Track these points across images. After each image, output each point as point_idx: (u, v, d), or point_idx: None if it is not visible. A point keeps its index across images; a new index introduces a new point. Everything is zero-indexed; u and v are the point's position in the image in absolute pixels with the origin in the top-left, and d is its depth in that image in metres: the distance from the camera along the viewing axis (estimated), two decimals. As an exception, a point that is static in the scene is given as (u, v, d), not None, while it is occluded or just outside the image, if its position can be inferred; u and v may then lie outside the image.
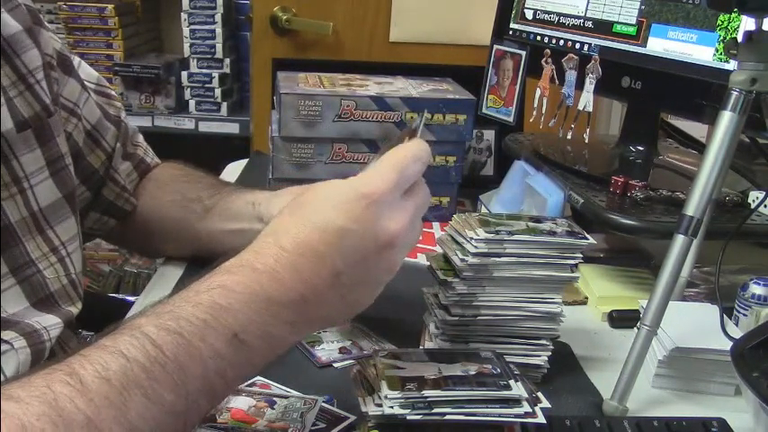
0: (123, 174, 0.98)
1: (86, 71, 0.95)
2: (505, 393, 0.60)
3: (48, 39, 0.83)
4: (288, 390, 0.71)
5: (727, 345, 0.72)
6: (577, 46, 1.11)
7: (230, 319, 0.54)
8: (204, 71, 2.33)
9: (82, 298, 0.85)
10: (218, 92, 2.34)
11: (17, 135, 0.76)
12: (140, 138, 1.04)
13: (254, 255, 0.58)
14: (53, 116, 0.81)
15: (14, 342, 0.73)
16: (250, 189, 0.97)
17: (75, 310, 0.83)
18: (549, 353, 0.75)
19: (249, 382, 0.71)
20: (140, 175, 1.01)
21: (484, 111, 1.21)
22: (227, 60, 2.34)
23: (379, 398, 0.59)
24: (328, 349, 0.80)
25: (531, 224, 0.74)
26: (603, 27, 1.08)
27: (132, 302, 0.93)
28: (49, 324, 0.78)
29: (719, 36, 0.93)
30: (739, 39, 0.73)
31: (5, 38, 0.76)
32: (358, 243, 0.58)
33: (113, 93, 0.99)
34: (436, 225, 1.15)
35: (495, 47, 1.20)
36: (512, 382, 0.61)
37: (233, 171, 1.44)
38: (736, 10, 0.77)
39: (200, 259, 0.97)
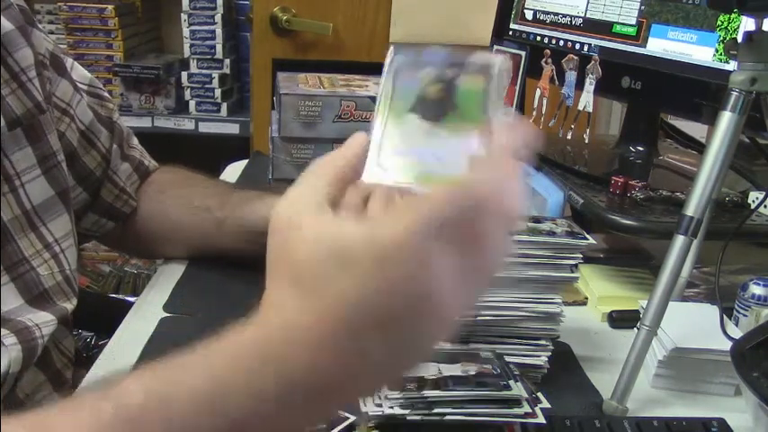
0: (123, 175, 0.97)
1: (79, 72, 0.95)
2: (505, 393, 0.60)
3: (40, 39, 0.84)
4: (288, 390, 0.71)
5: (727, 345, 0.72)
6: (577, 46, 1.11)
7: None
8: (204, 71, 2.33)
9: (77, 294, 0.85)
10: (218, 92, 2.34)
11: (8, 133, 0.76)
12: (135, 140, 1.03)
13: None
14: (45, 113, 0.81)
15: (5, 339, 0.73)
16: (256, 193, 0.95)
17: (70, 306, 0.83)
18: (549, 353, 0.75)
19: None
20: (141, 177, 1.01)
21: (484, 111, 1.21)
22: (227, 61, 2.34)
23: (379, 398, 0.59)
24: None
25: (530, 224, 0.73)
26: (603, 27, 1.08)
27: (132, 302, 0.93)
28: (42, 321, 0.78)
29: (719, 36, 0.93)
30: (739, 39, 0.73)
31: None
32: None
33: (106, 94, 0.99)
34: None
35: (495, 47, 1.20)
36: (512, 382, 0.61)
37: (233, 171, 1.43)
38: (736, 10, 0.77)
39: (201, 259, 0.97)
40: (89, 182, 0.94)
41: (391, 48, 0.47)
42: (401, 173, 0.46)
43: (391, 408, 0.58)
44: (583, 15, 1.11)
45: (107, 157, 0.95)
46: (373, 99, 1.13)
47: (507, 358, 0.66)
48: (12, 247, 0.77)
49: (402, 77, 0.47)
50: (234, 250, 0.93)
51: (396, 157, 0.46)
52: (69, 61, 0.93)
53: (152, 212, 0.98)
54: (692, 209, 0.71)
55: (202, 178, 1.02)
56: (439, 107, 0.47)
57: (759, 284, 0.83)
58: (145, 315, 0.86)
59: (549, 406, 0.61)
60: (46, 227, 0.81)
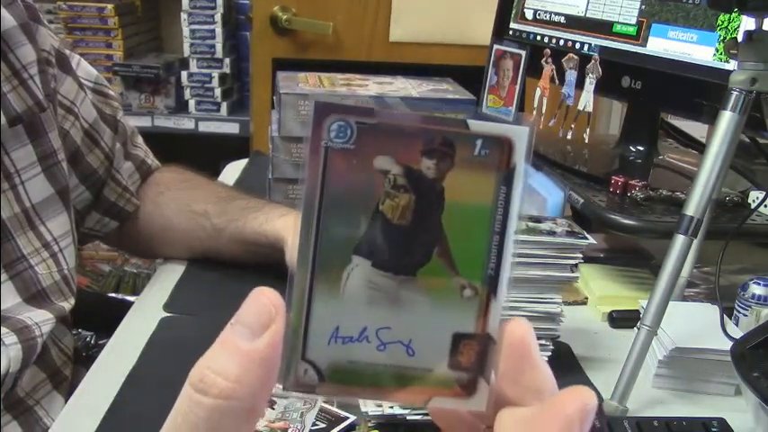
0: (126, 174, 0.97)
1: (85, 69, 0.95)
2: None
3: (45, 36, 0.84)
4: (288, 390, 0.71)
5: (727, 345, 0.72)
6: (577, 46, 1.11)
7: None
8: (204, 71, 2.33)
9: (75, 294, 0.85)
10: (218, 92, 2.34)
11: (8, 130, 0.76)
12: (140, 139, 1.03)
13: None
14: (46, 111, 0.81)
15: (5, 338, 0.74)
16: (256, 202, 0.94)
17: (67, 305, 0.83)
18: (549, 353, 0.75)
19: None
20: (143, 176, 1.01)
21: (484, 111, 1.21)
22: (227, 60, 2.34)
23: (379, 398, 0.59)
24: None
25: (530, 224, 0.74)
26: (603, 27, 1.08)
27: (132, 302, 0.93)
28: (41, 320, 0.78)
29: (719, 36, 0.93)
30: (739, 39, 0.73)
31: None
32: None
33: (112, 92, 0.99)
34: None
35: (495, 47, 1.20)
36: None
37: (233, 171, 1.43)
38: (736, 10, 0.77)
39: (201, 259, 0.97)
40: (92, 181, 0.94)
41: (314, 102, 0.25)
42: (345, 375, 0.27)
43: (391, 408, 0.58)
44: (583, 15, 1.11)
45: (110, 156, 0.95)
46: (373, 98, 1.13)
47: (507, 358, 0.66)
48: (10, 245, 0.77)
49: (338, 172, 0.25)
50: (232, 257, 0.93)
51: (334, 348, 0.27)
52: (75, 58, 0.93)
53: (150, 213, 0.98)
54: (692, 209, 0.71)
55: (204, 180, 1.02)
56: (410, 243, 0.26)
57: (759, 284, 0.83)
58: (145, 315, 0.86)
59: (549, 406, 0.61)
60: (45, 225, 0.81)
